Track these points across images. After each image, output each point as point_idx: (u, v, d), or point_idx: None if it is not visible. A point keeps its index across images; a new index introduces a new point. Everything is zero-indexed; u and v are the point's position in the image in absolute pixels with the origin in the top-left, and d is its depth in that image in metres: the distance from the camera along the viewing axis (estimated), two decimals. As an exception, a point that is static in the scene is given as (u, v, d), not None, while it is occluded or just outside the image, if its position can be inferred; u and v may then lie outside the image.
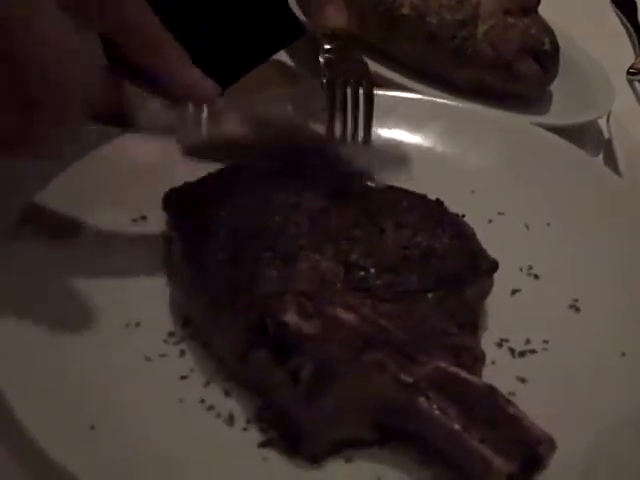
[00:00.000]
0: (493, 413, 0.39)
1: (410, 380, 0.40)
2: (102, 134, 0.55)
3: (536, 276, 0.54)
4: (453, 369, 0.40)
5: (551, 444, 0.38)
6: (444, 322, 0.44)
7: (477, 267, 0.48)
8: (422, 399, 0.39)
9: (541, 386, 0.46)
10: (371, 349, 0.40)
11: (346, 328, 0.41)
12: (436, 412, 0.39)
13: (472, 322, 0.46)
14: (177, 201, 0.51)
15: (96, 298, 0.48)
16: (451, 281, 0.46)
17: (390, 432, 0.42)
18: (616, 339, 0.49)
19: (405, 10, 0.77)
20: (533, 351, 0.49)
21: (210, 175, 0.53)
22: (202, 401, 0.44)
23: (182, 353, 0.46)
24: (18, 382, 0.42)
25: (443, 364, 0.40)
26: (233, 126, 0.56)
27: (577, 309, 0.52)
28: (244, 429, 0.43)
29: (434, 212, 0.51)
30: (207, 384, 0.45)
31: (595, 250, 0.56)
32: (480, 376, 0.42)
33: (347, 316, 0.42)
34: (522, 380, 0.47)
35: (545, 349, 0.49)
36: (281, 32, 0.82)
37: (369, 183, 0.54)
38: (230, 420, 0.43)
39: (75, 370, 0.44)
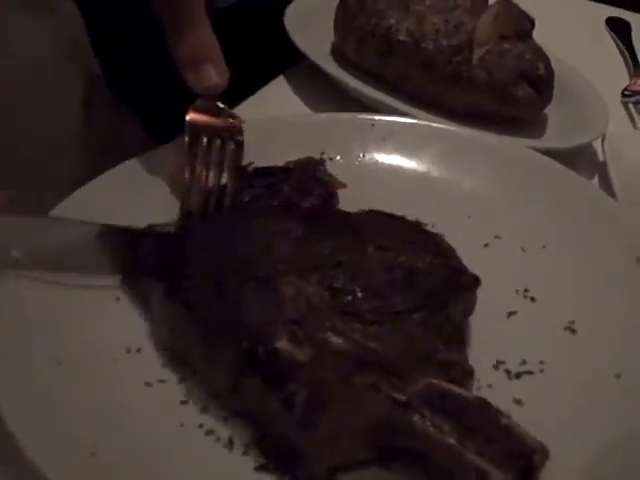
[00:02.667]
0: (487, 425, 0.40)
1: (403, 398, 0.40)
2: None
3: (532, 299, 0.55)
4: (445, 384, 0.41)
5: (545, 453, 0.39)
6: (431, 340, 0.44)
7: (459, 284, 0.49)
8: (416, 416, 0.40)
9: (537, 408, 0.47)
10: (363, 372, 0.41)
11: (337, 352, 0.42)
12: (431, 428, 0.39)
13: (458, 338, 0.47)
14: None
15: (97, 323, 0.49)
16: (435, 299, 0.47)
17: (387, 451, 0.42)
18: (612, 361, 0.50)
19: (401, 36, 0.78)
20: (529, 372, 0.49)
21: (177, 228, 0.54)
22: (201, 426, 0.44)
23: (181, 379, 0.46)
24: (19, 408, 0.42)
25: (434, 381, 0.41)
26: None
27: (573, 331, 0.52)
28: (243, 453, 0.43)
29: (414, 233, 0.52)
30: (206, 409, 0.45)
31: (591, 272, 0.57)
32: (470, 390, 0.43)
33: (337, 340, 0.42)
34: (518, 402, 0.47)
35: (541, 370, 0.49)
36: (279, 57, 0.83)
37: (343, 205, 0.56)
38: (230, 444, 0.43)
39: (75, 396, 0.44)
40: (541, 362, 0.50)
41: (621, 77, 0.96)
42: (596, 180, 0.74)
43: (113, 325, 0.49)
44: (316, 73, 0.80)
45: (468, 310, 0.50)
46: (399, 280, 0.47)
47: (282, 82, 0.84)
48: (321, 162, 0.62)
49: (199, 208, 0.55)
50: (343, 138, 0.64)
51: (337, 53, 0.86)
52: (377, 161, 0.63)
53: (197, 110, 0.56)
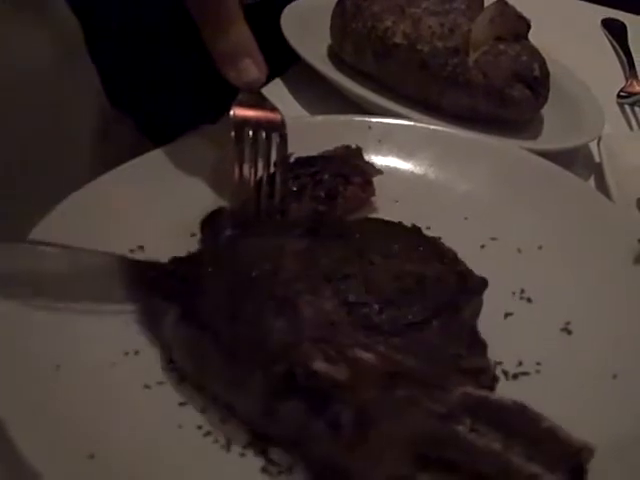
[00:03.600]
0: (529, 429, 0.40)
1: (444, 410, 0.40)
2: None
3: (529, 299, 0.55)
4: (481, 392, 0.41)
5: (590, 451, 0.39)
6: (453, 347, 0.44)
7: (468, 287, 0.49)
8: (460, 427, 0.39)
9: (534, 409, 0.47)
10: (400, 385, 0.41)
11: (371, 368, 0.42)
12: (476, 437, 0.39)
13: (478, 341, 0.47)
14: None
15: (95, 326, 0.49)
16: (448, 305, 0.47)
17: (432, 463, 0.41)
18: (608, 361, 0.50)
19: (397, 39, 0.78)
20: (526, 373, 0.49)
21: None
22: (200, 427, 0.44)
23: (180, 380, 0.47)
24: (17, 411, 0.42)
25: (469, 389, 0.41)
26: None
27: (569, 332, 0.53)
28: (241, 454, 0.43)
29: (414, 238, 0.52)
30: (204, 410, 0.45)
31: (587, 273, 0.57)
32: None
33: (367, 356, 0.42)
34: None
35: (538, 371, 0.50)
36: (275, 60, 0.83)
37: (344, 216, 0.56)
38: (228, 445, 0.43)
39: (74, 398, 0.44)
40: (538, 363, 0.50)
41: (617, 78, 0.97)
42: (592, 181, 0.75)
43: (111, 328, 0.49)
44: (313, 75, 0.80)
45: (476, 313, 0.50)
46: (410, 288, 0.47)
47: (279, 84, 0.84)
48: (359, 151, 0.62)
49: (252, 200, 0.56)
50: (340, 140, 0.64)
51: (334, 55, 0.86)
52: (373, 163, 0.63)
53: (241, 104, 0.57)
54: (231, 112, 0.57)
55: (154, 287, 0.50)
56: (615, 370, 0.49)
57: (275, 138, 0.57)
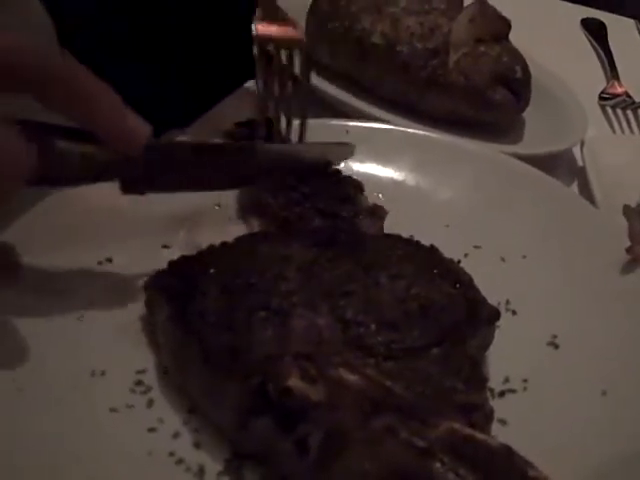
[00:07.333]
0: (511, 475, 0.37)
1: (424, 445, 0.38)
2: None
3: (514, 312, 0.53)
4: (467, 430, 0.39)
5: None
6: (450, 379, 0.42)
7: (478, 316, 0.47)
8: (437, 465, 0.37)
9: (522, 428, 0.45)
10: (380, 413, 0.38)
11: (352, 391, 0.39)
12: (452, 478, 0.37)
13: (478, 376, 0.44)
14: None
15: (60, 346, 0.46)
16: (453, 334, 0.45)
17: None
18: (596, 377, 0.48)
19: (375, 39, 0.76)
20: (513, 391, 0.48)
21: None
22: (171, 454, 0.42)
23: (150, 403, 0.44)
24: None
25: (457, 425, 0.39)
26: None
27: (556, 346, 0.51)
28: (215, 483, 0.41)
29: (429, 260, 0.50)
30: (176, 435, 0.43)
31: (572, 283, 0.56)
32: (490, 434, 0.41)
33: (351, 377, 0.40)
34: (503, 422, 0.45)
35: (525, 388, 0.48)
36: (249, 61, 0.81)
37: (359, 229, 0.54)
38: (200, 473, 0.41)
39: (37, 422, 0.42)
40: (524, 380, 0.48)
41: (598, 78, 0.96)
42: (576, 185, 0.73)
43: (75, 347, 0.46)
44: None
45: (486, 344, 0.48)
46: (414, 312, 0.45)
47: (253, 87, 0.81)
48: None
49: (275, 116, 0.59)
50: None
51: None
52: (352, 169, 0.61)
53: (262, 20, 0.59)
54: (253, 29, 0.58)
55: (152, 282, 0.48)
56: (604, 386, 0.48)
57: (296, 55, 0.59)
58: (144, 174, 0.49)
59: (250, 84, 0.79)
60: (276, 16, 0.60)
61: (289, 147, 0.59)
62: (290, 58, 0.59)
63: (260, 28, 0.59)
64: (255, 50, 0.58)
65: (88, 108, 0.42)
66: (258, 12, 0.60)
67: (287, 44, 0.59)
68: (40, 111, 0.41)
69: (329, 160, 0.58)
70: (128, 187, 0.49)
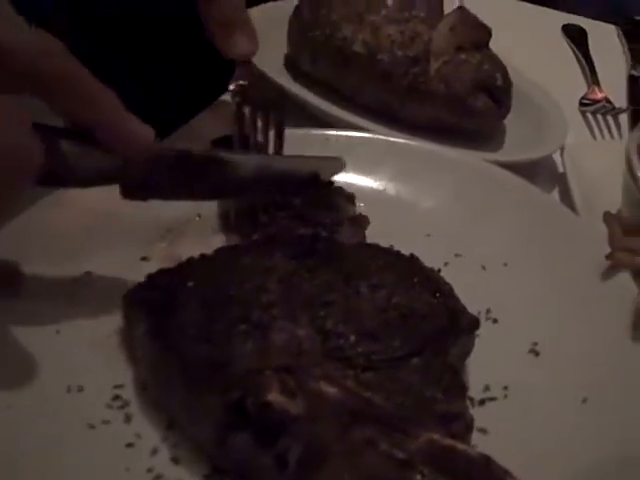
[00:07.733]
0: None
1: (403, 456, 0.37)
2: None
3: (495, 320, 0.53)
4: (447, 441, 0.39)
5: None
6: (430, 389, 0.42)
7: (458, 325, 0.47)
8: (417, 476, 0.37)
9: (502, 436, 0.45)
10: (360, 425, 0.38)
11: (331, 404, 0.39)
12: None
13: (458, 385, 0.44)
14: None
15: (37, 360, 0.46)
16: (433, 344, 0.44)
17: None
18: (577, 384, 0.48)
19: (356, 47, 0.76)
20: (493, 399, 0.48)
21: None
22: (149, 470, 0.41)
23: (127, 418, 0.44)
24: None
25: (436, 436, 0.39)
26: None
27: (537, 353, 0.51)
28: (193, 500, 0.41)
29: (409, 269, 0.50)
30: (154, 451, 0.42)
31: (553, 290, 0.56)
32: (470, 443, 0.41)
33: (331, 390, 0.40)
34: (483, 431, 0.45)
35: (505, 396, 0.48)
36: (229, 70, 0.81)
37: (337, 240, 0.53)
38: (179, 490, 0.41)
39: (11, 439, 0.42)
40: (505, 387, 0.48)
41: (579, 85, 0.96)
42: (556, 192, 0.73)
43: (52, 361, 0.46)
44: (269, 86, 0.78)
45: (466, 353, 0.48)
46: (394, 322, 0.45)
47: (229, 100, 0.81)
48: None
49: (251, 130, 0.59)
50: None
51: (291, 65, 0.84)
52: (332, 178, 0.61)
53: (238, 81, 0.59)
54: (230, 87, 0.59)
55: (131, 296, 0.48)
56: (585, 393, 0.48)
57: (273, 116, 0.59)
58: (144, 180, 0.49)
59: (226, 96, 0.79)
60: (253, 76, 0.60)
61: (276, 160, 0.58)
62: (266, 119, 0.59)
63: (236, 89, 0.59)
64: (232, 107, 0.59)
65: (89, 110, 0.43)
66: (237, 71, 0.59)
67: (263, 105, 0.59)
68: (48, 114, 0.42)
69: (318, 174, 0.57)
70: (129, 192, 0.49)
